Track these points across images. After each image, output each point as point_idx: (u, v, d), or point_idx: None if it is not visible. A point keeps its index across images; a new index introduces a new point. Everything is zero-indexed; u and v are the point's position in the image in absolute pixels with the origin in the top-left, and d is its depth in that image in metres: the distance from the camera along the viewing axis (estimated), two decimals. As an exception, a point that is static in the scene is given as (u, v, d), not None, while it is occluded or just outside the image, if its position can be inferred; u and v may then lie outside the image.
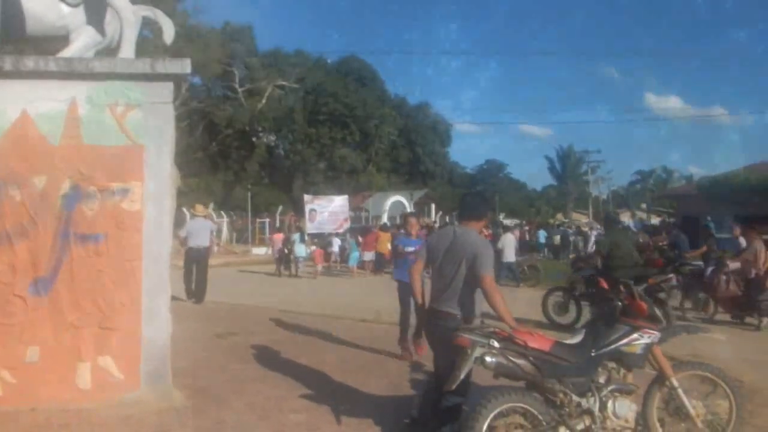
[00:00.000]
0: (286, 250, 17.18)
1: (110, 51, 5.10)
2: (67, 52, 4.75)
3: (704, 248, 11.22)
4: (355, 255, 17.54)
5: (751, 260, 8.88)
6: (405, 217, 7.38)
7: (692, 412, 3.73)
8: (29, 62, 4.41)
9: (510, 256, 14.20)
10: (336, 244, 19.56)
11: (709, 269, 9.62)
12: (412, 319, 6.02)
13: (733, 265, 9.32)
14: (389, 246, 17.63)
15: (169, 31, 5.27)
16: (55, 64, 4.49)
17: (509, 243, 14.34)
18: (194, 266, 10.56)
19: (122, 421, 4.18)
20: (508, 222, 32.48)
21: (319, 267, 17.26)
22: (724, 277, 9.07)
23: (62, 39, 4.85)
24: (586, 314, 8.29)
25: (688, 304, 9.42)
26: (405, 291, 6.04)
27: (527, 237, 27.19)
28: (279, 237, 18.78)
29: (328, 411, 4.61)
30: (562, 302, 8.85)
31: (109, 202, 4.49)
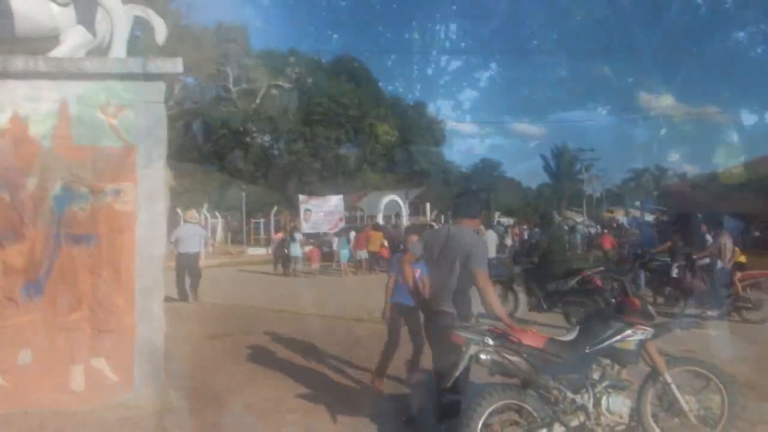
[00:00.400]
0: (286, 250, 17.33)
1: (102, 51, 5.08)
2: (57, 52, 4.72)
3: (668, 244, 11.46)
4: (344, 252, 17.67)
5: (715, 254, 9.12)
6: (406, 236, 5.95)
7: (685, 407, 3.75)
8: (19, 62, 4.38)
9: (491, 252, 14.82)
10: (335, 243, 19.69)
11: (675, 265, 9.82)
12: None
13: (702, 260, 9.53)
14: (385, 243, 17.73)
15: (161, 31, 5.24)
16: (45, 64, 4.46)
17: (491, 240, 15.01)
18: (186, 271, 10.53)
19: (117, 423, 4.16)
20: (504, 220, 32.56)
21: (316, 266, 17.39)
22: (689, 273, 9.29)
23: (52, 39, 4.82)
24: (524, 305, 8.74)
25: (660, 300, 9.57)
26: (396, 316, 5.24)
27: (525, 236, 27.30)
28: (278, 236, 18.95)
29: (324, 410, 4.61)
30: (501, 294, 9.17)
31: (101, 204, 4.47)
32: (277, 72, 40.25)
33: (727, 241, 9.16)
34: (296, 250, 17.04)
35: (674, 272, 9.73)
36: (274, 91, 40.20)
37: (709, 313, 8.66)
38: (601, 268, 8.93)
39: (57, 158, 4.42)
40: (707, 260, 9.46)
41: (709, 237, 10.85)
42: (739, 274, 8.86)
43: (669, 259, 10.38)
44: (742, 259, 9.30)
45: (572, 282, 8.15)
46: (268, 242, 26.51)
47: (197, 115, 37.88)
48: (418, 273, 4.86)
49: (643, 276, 10.78)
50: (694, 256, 9.79)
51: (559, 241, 8.92)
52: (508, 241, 21.98)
